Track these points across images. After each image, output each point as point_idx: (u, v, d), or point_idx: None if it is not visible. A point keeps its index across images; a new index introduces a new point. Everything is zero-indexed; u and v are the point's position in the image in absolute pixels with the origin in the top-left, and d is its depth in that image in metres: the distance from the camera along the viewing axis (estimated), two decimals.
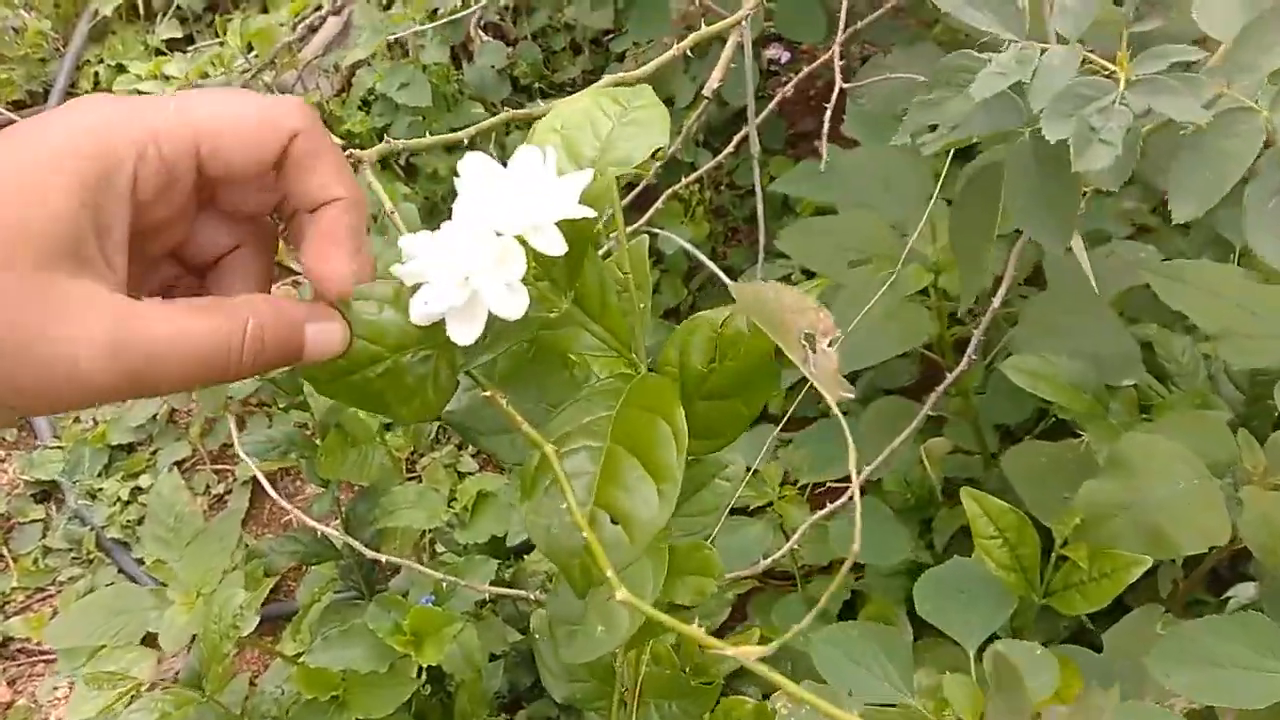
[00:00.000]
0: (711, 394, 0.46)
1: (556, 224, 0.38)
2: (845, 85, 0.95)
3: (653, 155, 0.42)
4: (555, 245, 0.37)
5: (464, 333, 0.38)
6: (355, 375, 0.40)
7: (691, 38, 0.79)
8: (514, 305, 0.38)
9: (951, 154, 1.49)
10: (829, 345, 0.33)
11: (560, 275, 0.41)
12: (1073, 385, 0.90)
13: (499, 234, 0.37)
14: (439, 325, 0.38)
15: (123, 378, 0.33)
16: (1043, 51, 0.58)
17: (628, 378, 0.44)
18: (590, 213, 0.38)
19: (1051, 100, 0.56)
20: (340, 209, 0.38)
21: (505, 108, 1.49)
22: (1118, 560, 0.79)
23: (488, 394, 0.42)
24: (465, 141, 0.53)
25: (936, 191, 0.96)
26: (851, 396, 0.32)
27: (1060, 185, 0.59)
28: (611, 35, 1.91)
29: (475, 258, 0.37)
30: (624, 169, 0.41)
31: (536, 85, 1.92)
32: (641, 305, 0.50)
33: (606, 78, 0.62)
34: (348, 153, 0.48)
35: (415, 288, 0.38)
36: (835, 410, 0.32)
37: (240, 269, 0.41)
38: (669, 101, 1.81)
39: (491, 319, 0.38)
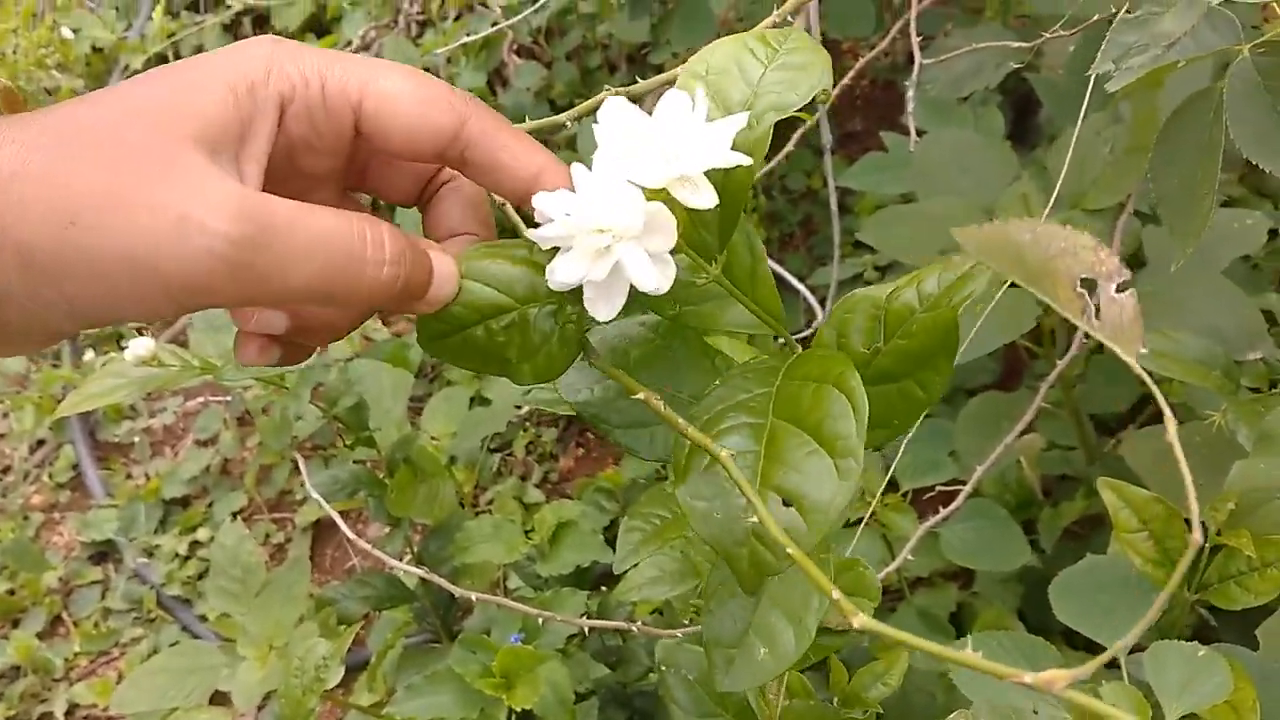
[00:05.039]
0: (879, 377, 0.39)
1: (707, 175, 0.33)
2: (926, 61, 0.89)
3: (814, 100, 0.37)
4: (706, 198, 0.32)
5: (603, 308, 0.34)
6: (477, 328, 0.36)
7: None
8: (659, 278, 0.33)
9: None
10: (1118, 290, 0.26)
11: (710, 237, 0.36)
12: (1200, 362, 0.83)
13: (641, 186, 0.32)
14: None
15: (241, 247, 0.29)
16: None
17: (783, 357, 0.38)
18: (746, 159, 0.33)
19: None
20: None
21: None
22: None
23: (640, 395, 0.37)
24: (567, 124, 0.49)
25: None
26: (1145, 351, 0.26)
27: None
28: (647, 49, 1.86)
29: (619, 224, 0.32)
30: (781, 114, 0.36)
31: (574, 104, 1.87)
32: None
33: (655, 78, 0.56)
34: None
35: (551, 251, 0.34)
36: (1137, 368, 0.25)
37: None
38: None
39: (633, 290, 0.34)
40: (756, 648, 0.41)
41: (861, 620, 0.27)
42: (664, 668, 0.57)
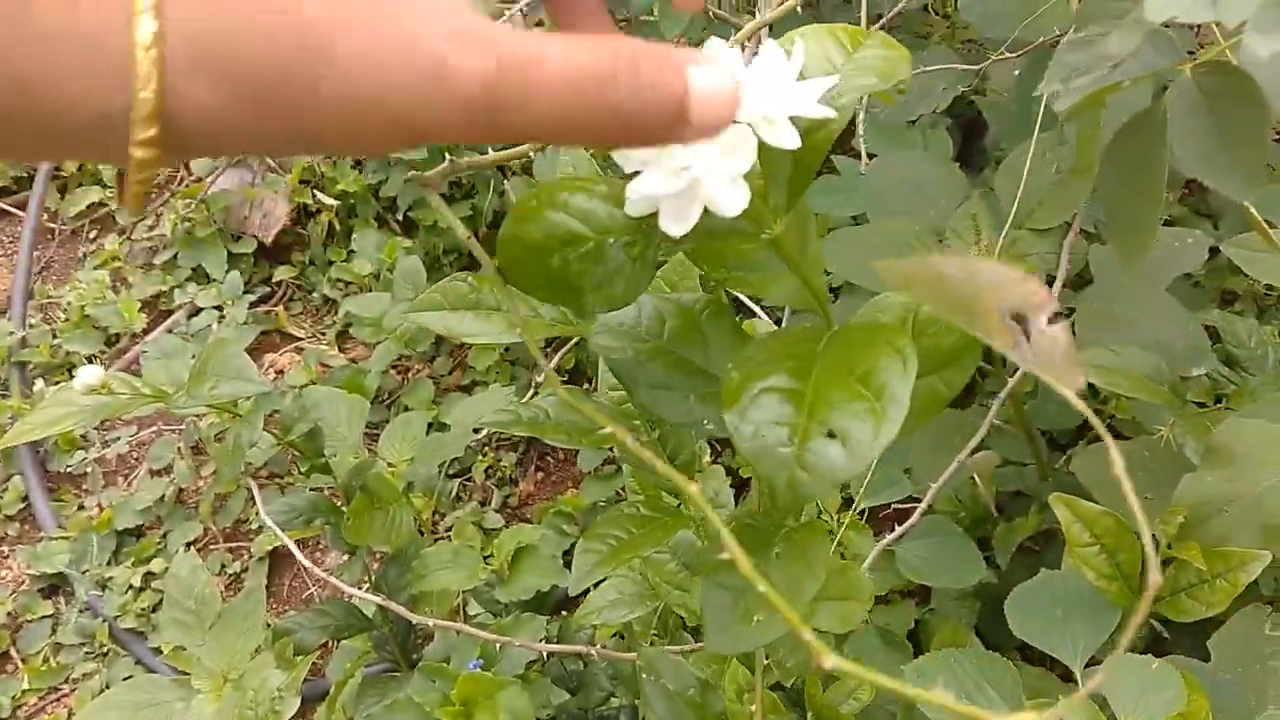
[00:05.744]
0: None
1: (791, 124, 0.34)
2: None
3: (898, 90, 0.39)
4: (789, 138, 0.33)
5: (676, 225, 0.35)
6: (554, 256, 0.38)
7: None
8: (733, 200, 0.34)
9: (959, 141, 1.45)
10: (1049, 322, 0.27)
11: (779, 195, 0.37)
12: (1148, 377, 0.85)
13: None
14: (646, 217, 0.37)
15: (489, 72, 0.27)
16: None
17: (822, 329, 0.40)
18: (831, 113, 0.34)
19: (1258, 9, 0.46)
20: None
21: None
22: (1231, 558, 0.72)
23: (606, 430, 0.39)
24: (532, 154, 0.50)
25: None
26: (1085, 383, 0.26)
27: (1241, 123, 0.52)
28: None
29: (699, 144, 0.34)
30: (862, 93, 0.38)
31: None
32: None
33: None
34: (411, 174, 0.45)
35: (632, 176, 0.35)
36: (1075, 402, 0.25)
37: None
38: None
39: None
40: (751, 615, 0.43)
41: (833, 662, 0.27)
42: (645, 675, 0.57)
